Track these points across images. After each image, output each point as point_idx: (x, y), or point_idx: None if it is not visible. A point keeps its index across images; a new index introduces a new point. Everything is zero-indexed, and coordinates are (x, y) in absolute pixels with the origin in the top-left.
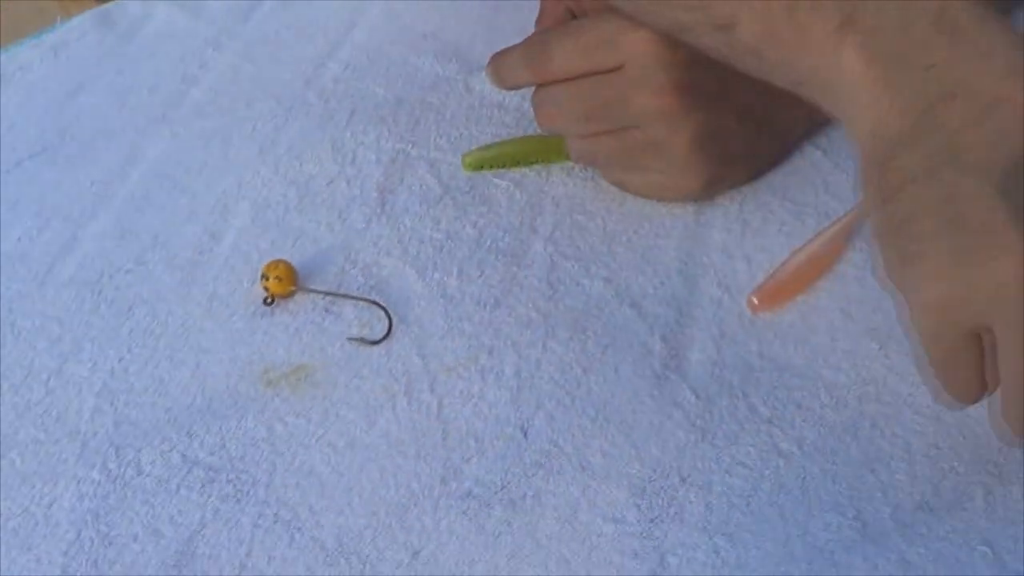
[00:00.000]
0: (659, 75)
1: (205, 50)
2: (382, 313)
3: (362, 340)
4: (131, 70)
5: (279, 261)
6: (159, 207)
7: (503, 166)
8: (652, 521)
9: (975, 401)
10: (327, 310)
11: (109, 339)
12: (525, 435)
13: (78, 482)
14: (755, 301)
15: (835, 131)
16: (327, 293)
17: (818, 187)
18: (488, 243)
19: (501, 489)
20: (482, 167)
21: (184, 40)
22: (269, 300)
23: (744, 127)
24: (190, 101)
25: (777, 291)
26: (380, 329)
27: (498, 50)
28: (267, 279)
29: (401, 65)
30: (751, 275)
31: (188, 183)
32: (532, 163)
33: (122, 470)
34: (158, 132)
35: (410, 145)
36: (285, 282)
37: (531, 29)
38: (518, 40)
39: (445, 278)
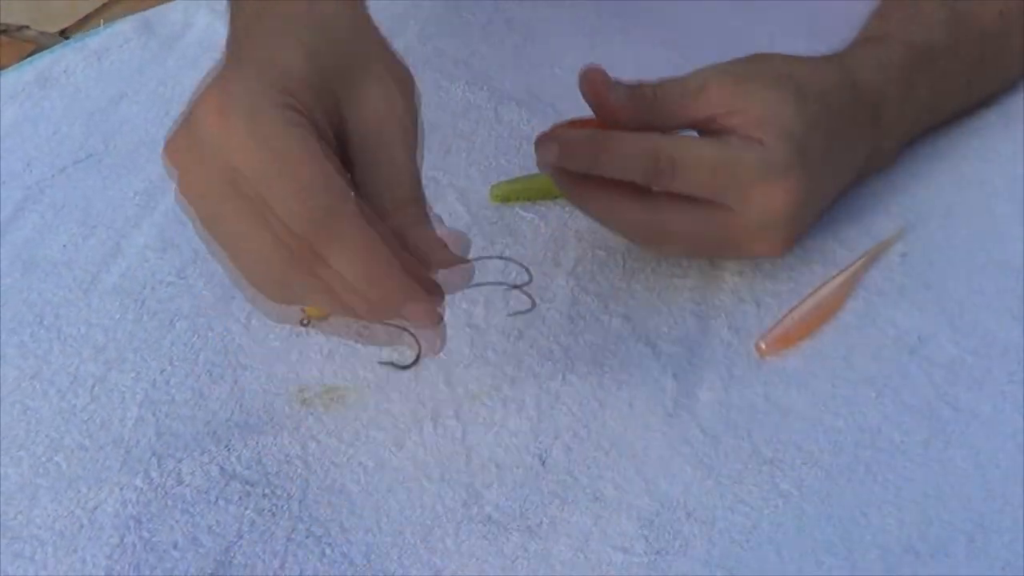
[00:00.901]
0: (779, 230)
1: None
2: (411, 339)
3: (392, 364)
4: (172, 80)
5: None
6: None
7: (529, 199)
8: (658, 553)
9: None
10: (360, 334)
11: (152, 350)
12: (543, 464)
13: (121, 488)
14: (762, 346)
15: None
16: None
17: (827, 235)
18: (513, 275)
19: (519, 516)
20: (509, 199)
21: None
22: (306, 322)
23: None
24: None
25: (783, 337)
26: (409, 354)
27: (577, 127)
28: None
29: (433, 90)
30: (760, 319)
31: None
32: (557, 197)
33: (163, 479)
34: None
35: (441, 172)
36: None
37: (560, 59)
38: (547, 70)
39: (472, 308)
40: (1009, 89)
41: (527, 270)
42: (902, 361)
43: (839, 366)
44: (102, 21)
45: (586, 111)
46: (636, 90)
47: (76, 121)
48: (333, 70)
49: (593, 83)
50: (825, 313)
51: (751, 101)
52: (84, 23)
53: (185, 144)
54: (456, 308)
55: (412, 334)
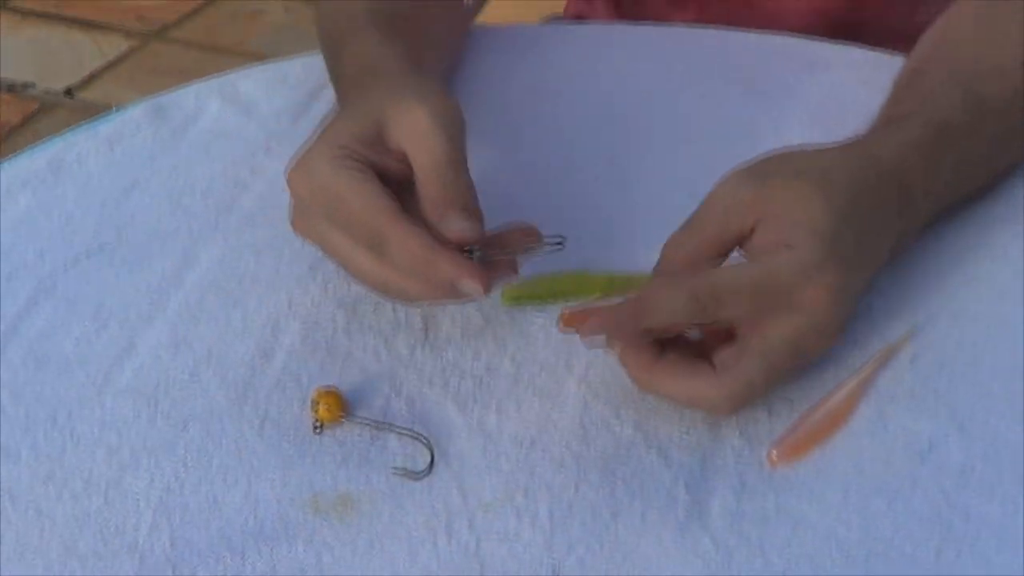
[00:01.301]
0: (829, 326)
1: (256, 154)
2: (424, 446)
3: (405, 472)
4: (184, 170)
5: (329, 389)
6: (212, 318)
7: (541, 300)
8: None
9: None
10: (373, 439)
11: (165, 453)
12: None
13: None
14: (774, 456)
15: None
16: (374, 423)
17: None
18: (525, 379)
19: None
20: (521, 301)
21: (236, 141)
22: (319, 427)
23: None
24: (241, 208)
25: (795, 447)
26: (422, 461)
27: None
28: (317, 406)
29: None
30: (771, 426)
31: (240, 296)
32: (569, 299)
33: None
34: (211, 238)
35: None
36: (334, 410)
37: (578, 170)
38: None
39: (484, 414)
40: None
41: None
42: (913, 468)
43: (850, 474)
44: (113, 105)
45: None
46: (672, 269)
47: (89, 211)
48: (374, 118)
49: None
50: (836, 420)
51: (775, 203)
52: (89, 82)
53: (291, 184)
54: (469, 413)
55: (425, 443)
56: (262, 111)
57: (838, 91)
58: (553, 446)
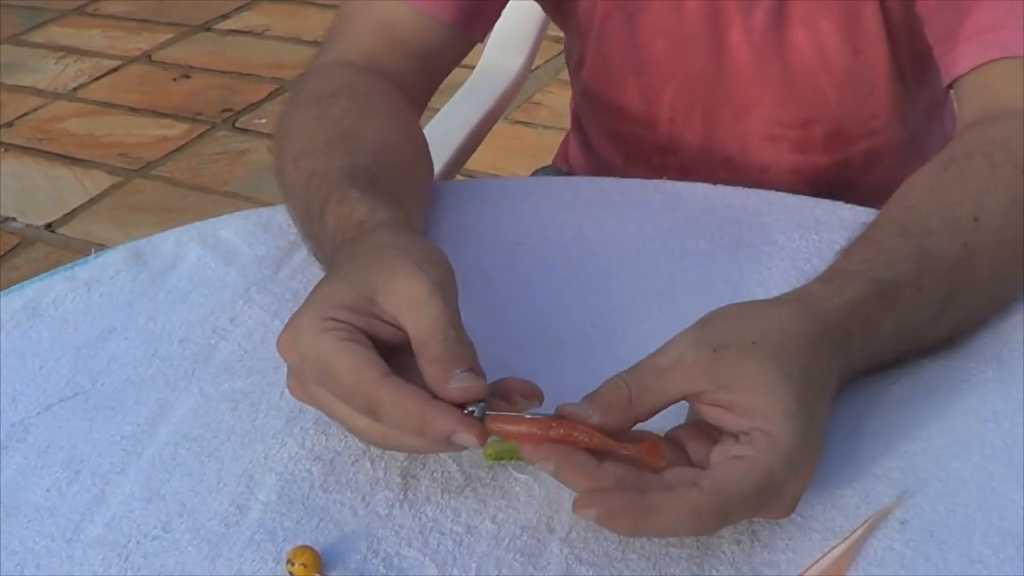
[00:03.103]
0: (795, 498)
1: (236, 303)
2: None
3: None
4: (163, 317)
5: (305, 548)
6: (187, 471)
7: (523, 458)
8: None
9: None
10: None
11: None
12: None
13: None
14: None
15: (843, 440)
16: None
17: (825, 501)
18: (506, 540)
19: None
20: (503, 458)
21: (215, 288)
22: None
23: None
24: (219, 357)
25: None
26: None
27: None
28: (292, 565)
29: None
30: None
31: (215, 448)
32: None
33: None
34: (187, 388)
35: None
36: (310, 569)
37: (553, 307)
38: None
39: (464, 575)
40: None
41: None
42: None
43: None
44: (92, 249)
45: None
46: (608, 399)
47: (64, 356)
48: (364, 284)
49: (567, 415)
50: None
51: (735, 377)
52: (70, 217)
53: (281, 351)
54: (447, 575)
55: None
56: (243, 259)
57: (827, 249)
58: None
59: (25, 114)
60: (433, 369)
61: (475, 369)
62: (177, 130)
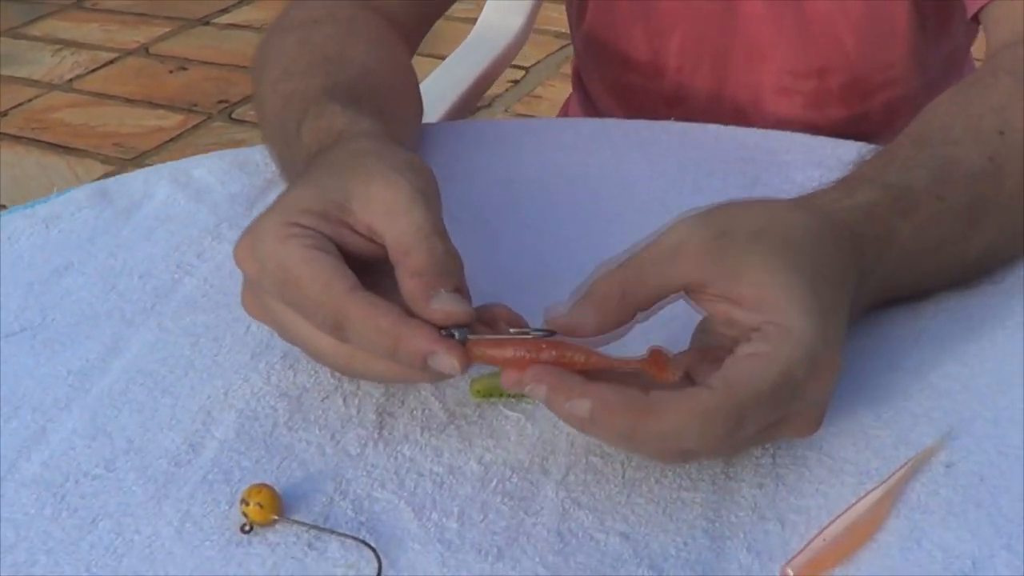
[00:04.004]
0: (820, 407)
1: (204, 238)
2: (371, 554)
3: None
4: (124, 253)
5: (262, 486)
6: (137, 408)
7: (515, 396)
8: None
9: None
10: (310, 545)
11: (67, 553)
12: None
13: None
14: (789, 573)
15: (878, 378)
16: (312, 527)
17: (859, 442)
18: (494, 482)
19: None
20: (492, 395)
21: (183, 225)
22: (247, 528)
23: None
24: (182, 292)
25: (814, 562)
26: (368, 572)
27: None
28: (247, 504)
29: None
30: (784, 539)
31: (171, 384)
32: None
33: None
34: (145, 323)
35: None
36: (267, 510)
37: (552, 235)
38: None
39: (444, 520)
40: None
41: None
42: None
43: None
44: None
45: None
46: (600, 296)
47: (15, 291)
48: (337, 191)
49: (558, 327)
50: (862, 534)
51: (744, 268)
52: None
53: (237, 259)
54: (425, 519)
55: (372, 548)
56: (215, 196)
57: None
58: (524, 558)
59: (19, 104)
60: (414, 283)
61: (461, 290)
62: (172, 121)
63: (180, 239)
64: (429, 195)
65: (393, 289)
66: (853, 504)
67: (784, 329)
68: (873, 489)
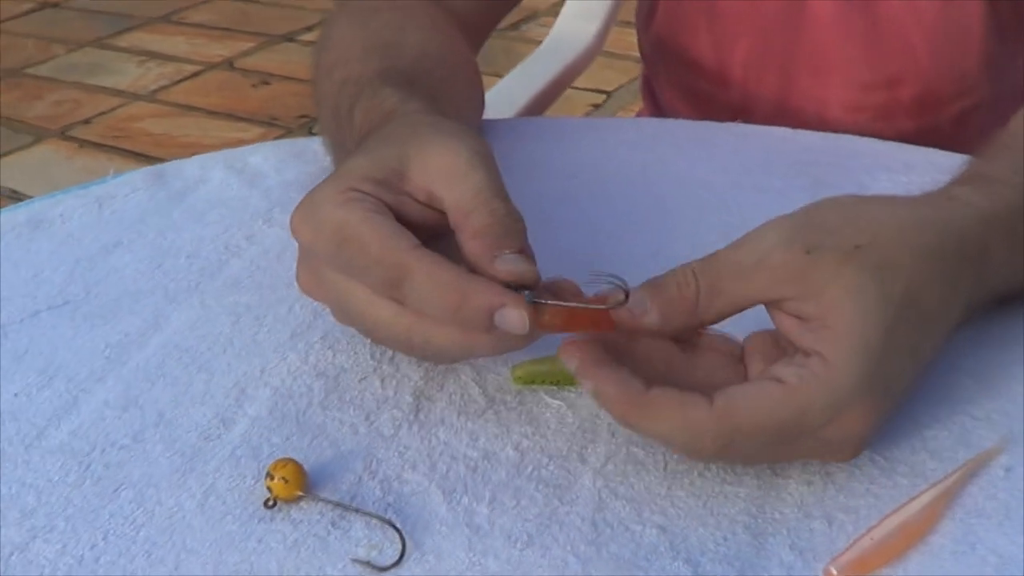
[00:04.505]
0: (852, 445)
1: (255, 222)
2: (395, 535)
3: (369, 564)
4: (173, 233)
5: (288, 460)
6: (171, 381)
7: (557, 383)
8: None
9: None
10: (334, 524)
11: (86, 520)
12: None
13: None
14: (833, 572)
15: (936, 379)
16: (337, 504)
17: (914, 442)
18: (529, 469)
19: None
20: (533, 382)
21: (235, 208)
22: (271, 503)
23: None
24: (229, 272)
25: (860, 562)
26: (391, 553)
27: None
28: (272, 479)
29: None
30: (830, 539)
31: (208, 360)
32: None
33: None
34: (187, 301)
35: None
36: (292, 485)
37: (595, 221)
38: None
39: (475, 504)
40: None
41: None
42: None
43: None
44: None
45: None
46: (672, 296)
47: (61, 266)
48: (394, 159)
49: (623, 313)
50: (913, 535)
51: (827, 288)
52: None
53: (293, 228)
54: (455, 503)
55: (397, 528)
56: (269, 182)
57: (918, 192)
58: (555, 546)
59: (103, 112)
60: (476, 243)
61: (525, 251)
62: (253, 133)
63: (231, 222)
64: (487, 158)
65: (455, 259)
66: (905, 504)
67: (828, 369)
68: (927, 490)
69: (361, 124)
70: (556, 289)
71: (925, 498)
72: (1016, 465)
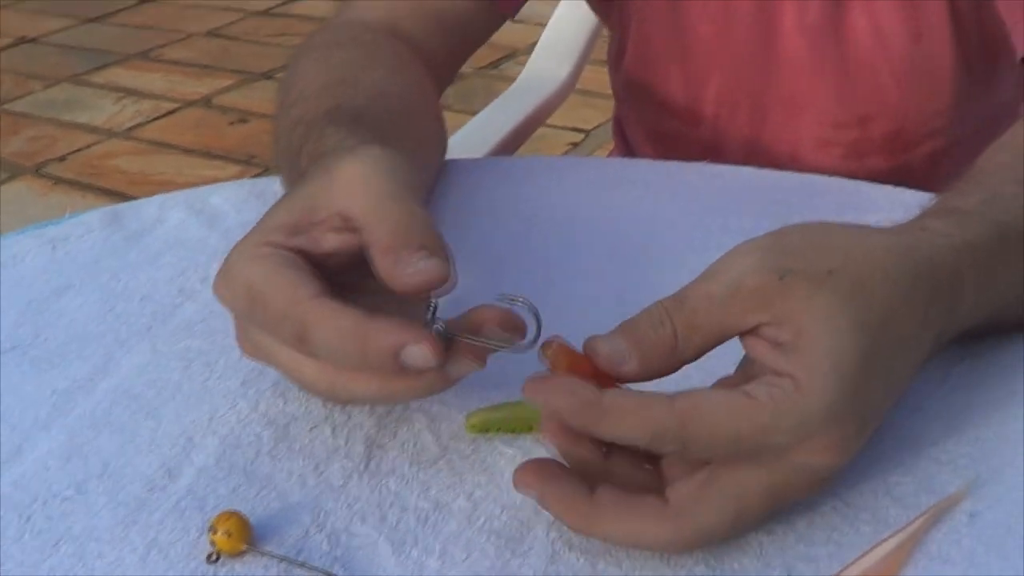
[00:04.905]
0: (818, 478)
1: (211, 263)
2: None
3: None
4: (127, 275)
5: (232, 513)
6: (117, 429)
7: (513, 431)
8: None
9: None
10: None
11: None
12: None
13: None
14: None
15: (901, 422)
16: (282, 558)
17: (877, 487)
18: (482, 520)
19: None
20: (488, 430)
21: (192, 249)
22: (214, 557)
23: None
24: (182, 316)
25: None
26: None
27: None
28: (215, 532)
29: None
30: None
31: (156, 407)
32: None
33: None
34: (138, 345)
35: None
36: (235, 539)
37: (557, 268)
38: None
39: (424, 557)
40: None
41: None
42: None
43: None
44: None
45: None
46: (650, 340)
47: (10, 309)
48: (302, 198)
49: (602, 362)
50: None
51: (798, 314)
52: None
53: (216, 294)
54: (404, 556)
55: None
56: (228, 222)
57: None
58: None
59: (78, 150)
60: (382, 259)
61: (431, 247)
62: (229, 171)
63: (187, 264)
64: (389, 167)
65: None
66: (867, 552)
67: (798, 387)
68: (889, 537)
69: (305, 167)
70: (474, 323)
71: (888, 545)
72: (981, 510)
